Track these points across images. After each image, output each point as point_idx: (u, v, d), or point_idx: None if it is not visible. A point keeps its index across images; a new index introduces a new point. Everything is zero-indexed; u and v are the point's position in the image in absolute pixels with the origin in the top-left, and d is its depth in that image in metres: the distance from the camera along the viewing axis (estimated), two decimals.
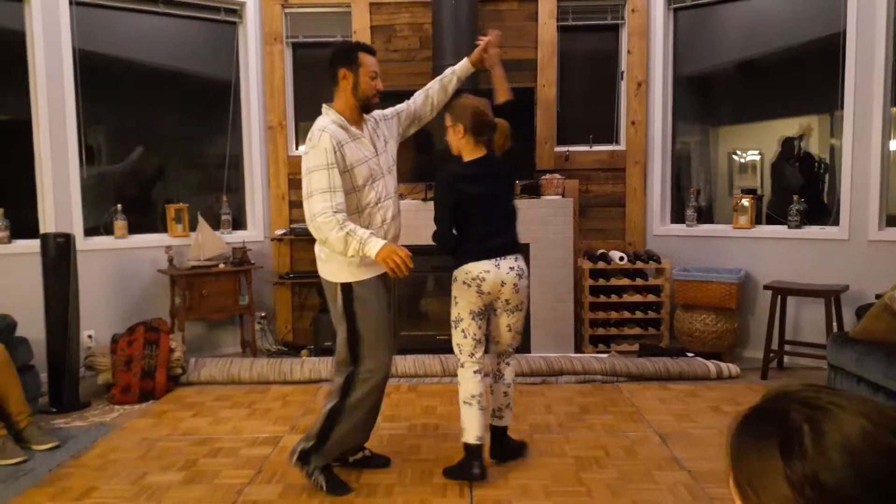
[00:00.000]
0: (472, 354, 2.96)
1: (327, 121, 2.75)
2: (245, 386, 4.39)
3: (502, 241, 2.95)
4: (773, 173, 5.28)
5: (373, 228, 2.76)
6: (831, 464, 0.68)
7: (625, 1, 5.30)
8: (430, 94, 3.09)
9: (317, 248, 2.84)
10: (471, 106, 2.90)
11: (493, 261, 2.89)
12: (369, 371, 2.81)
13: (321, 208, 2.60)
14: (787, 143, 5.14)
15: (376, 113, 2.94)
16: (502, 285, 2.91)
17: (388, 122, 2.99)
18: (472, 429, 2.91)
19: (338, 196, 2.63)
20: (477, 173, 2.92)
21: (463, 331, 2.96)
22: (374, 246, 2.56)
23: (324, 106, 2.84)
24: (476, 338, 2.96)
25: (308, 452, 2.84)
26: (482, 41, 3.06)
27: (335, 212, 2.60)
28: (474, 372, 2.95)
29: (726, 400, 3.97)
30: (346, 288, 2.77)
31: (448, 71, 3.12)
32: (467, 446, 2.93)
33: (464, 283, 2.90)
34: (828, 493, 0.68)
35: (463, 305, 2.93)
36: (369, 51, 2.83)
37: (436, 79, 3.13)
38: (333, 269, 2.79)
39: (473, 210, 2.91)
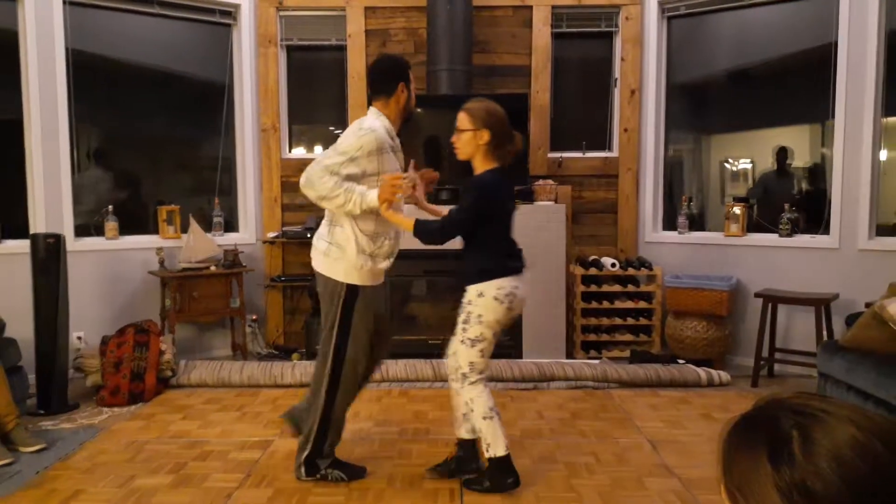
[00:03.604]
0: (482, 371, 2.87)
1: (379, 123, 2.84)
2: (235, 389, 4.37)
3: (521, 258, 2.89)
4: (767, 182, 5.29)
5: (390, 236, 2.91)
6: (819, 471, 0.68)
7: (619, 9, 5.33)
8: None
9: (323, 245, 2.88)
10: (501, 114, 2.81)
11: (520, 276, 2.84)
12: (353, 372, 2.95)
13: (319, 174, 2.72)
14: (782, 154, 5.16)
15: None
16: (522, 302, 2.88)
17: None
18: (500, 440, 2.84)
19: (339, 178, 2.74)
20: (508, 185, 2.87)
21: (482, 350, 2.82)
22: (372, 194, 2.75)
23: (374, 109, 2.90)
24: (489, 355, 2.88)
25: (312, 458, 2.96)
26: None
27: (331, 177, 2.73)
28: (485, 385, 2.88)
29: (717, 407, 3.98)
30: (352, 290, 2.86)
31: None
32: (497, 460, 2.85)
33: (495, 298, 2.76)
34: (815, 499, 0.68)
35: (489, 323, 2.79)
36: (409, 66, 3.00)
37: None
38: (343, 268, 2.85)
39: (502, 224, 2.85)
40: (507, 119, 2.83)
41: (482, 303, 2.78)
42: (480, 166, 2.84)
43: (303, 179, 2.76)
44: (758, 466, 0.72)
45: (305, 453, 2.97)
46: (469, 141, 2.80)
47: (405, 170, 2.93)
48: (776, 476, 0.70)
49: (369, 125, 2.80)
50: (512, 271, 2.82)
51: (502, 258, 2.82)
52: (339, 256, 2.85)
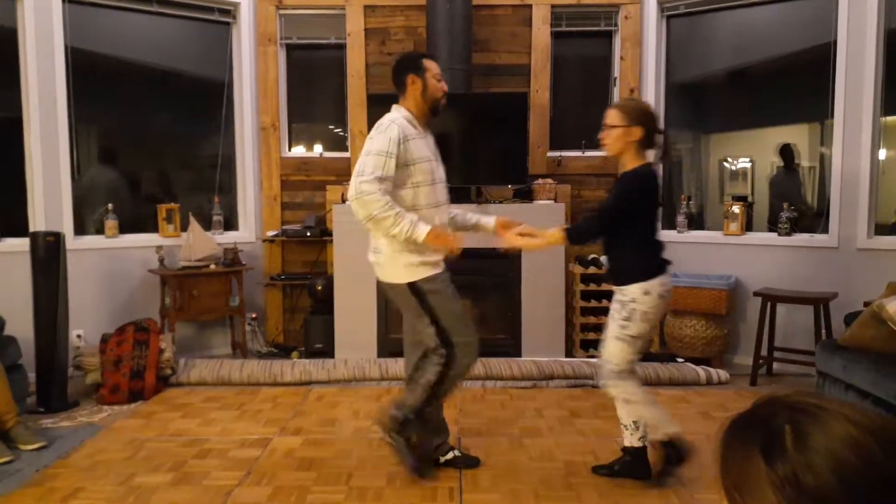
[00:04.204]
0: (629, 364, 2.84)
1: (398, 115, 2.88)
2: (235, 387, 4.37)
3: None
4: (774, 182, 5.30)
5: (433, 223, 2.84)
6: (811, 465, 0.68)
7: (618, 7, 5.33)
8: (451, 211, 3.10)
9: (372, 256, 2.92)
10: (653, 114, 2.83)
11: (671, 272, 2.84)
12: (464, 349, 2.88)
13: (371, 188, 2.66)
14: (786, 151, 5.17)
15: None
16: (672, 295, 2.89)
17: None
18: (667, 421, 2.85)
19: (387, 184, 2.71)
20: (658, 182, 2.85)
21: (639, 347, 2.81)
22: (423, 229, 2.72)
23: (394, 106, 2.94)
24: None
25: (407, 422, 2.93)
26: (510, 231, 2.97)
27: (383, 195, 2.68)
28: (630, 374, 2.86)
29: (715, 405, 3.98)
30: (414, 286, 2.84)
31: (473, 216, 3.15)
32: (667, 442, 2.85)
33: (660, 296, 2.75)
34: (807, 493, 0.68)
35: (653, 319, 2.78)
36: (431, 57, 3.02)
37: (463, 212, 3.16)
38: (396, 270, 2.85)
39: (653, 218, 2.84)
40: (658, 118, 2.83)
41: (648, 300, 2.75)
42: (630, 163, 2.84)
43: (352, 192, 2.69)
44: (752, 463, 0.72)
45: (405, 411, 2.91)
46: (619, 137, 2.81)
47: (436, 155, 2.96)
48: (770, 471, 0.70)
49: (387, 118, 2.84)
50: (665, 268, 2.83)
51: (659, 255, 2.82)
52: (388, 262, 2.85)
